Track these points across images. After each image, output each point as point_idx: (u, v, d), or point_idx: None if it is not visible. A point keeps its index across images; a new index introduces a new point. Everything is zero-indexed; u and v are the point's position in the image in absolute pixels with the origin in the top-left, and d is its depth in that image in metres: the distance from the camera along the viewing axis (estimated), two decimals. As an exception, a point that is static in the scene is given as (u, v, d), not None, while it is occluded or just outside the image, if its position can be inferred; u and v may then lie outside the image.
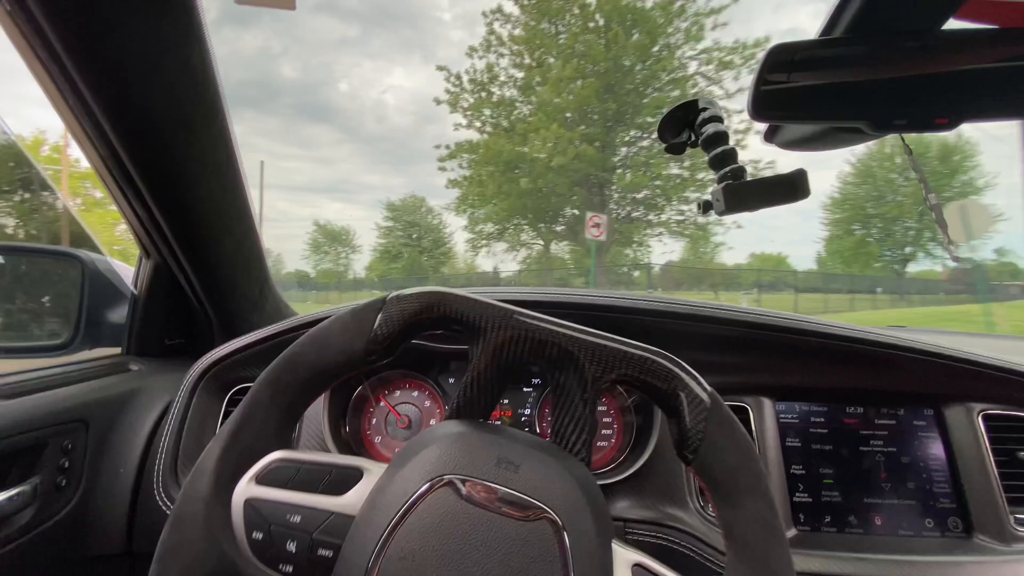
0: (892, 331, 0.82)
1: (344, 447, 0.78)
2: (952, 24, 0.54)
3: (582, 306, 0.76)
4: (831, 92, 0.54)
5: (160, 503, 0.71)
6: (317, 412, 0.76)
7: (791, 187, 0.64)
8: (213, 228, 0.81)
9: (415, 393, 0.87)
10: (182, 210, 0.76)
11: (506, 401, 0.87)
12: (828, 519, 0.72)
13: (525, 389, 0.88)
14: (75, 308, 0.88)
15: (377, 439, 0.85)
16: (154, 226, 0.77)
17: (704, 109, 0.67)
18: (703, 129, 0.66)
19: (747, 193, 0.64)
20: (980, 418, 0.72)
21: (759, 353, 0.76)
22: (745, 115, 0.58)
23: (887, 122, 0.56)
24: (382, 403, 0.86)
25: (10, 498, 0.62)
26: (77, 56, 0.56)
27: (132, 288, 0.89)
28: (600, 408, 0.86)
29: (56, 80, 0.58)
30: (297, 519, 0.37)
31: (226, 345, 0.80)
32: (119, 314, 0.91)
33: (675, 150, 0.72)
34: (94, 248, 0.91)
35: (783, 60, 0.54)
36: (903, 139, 0.62)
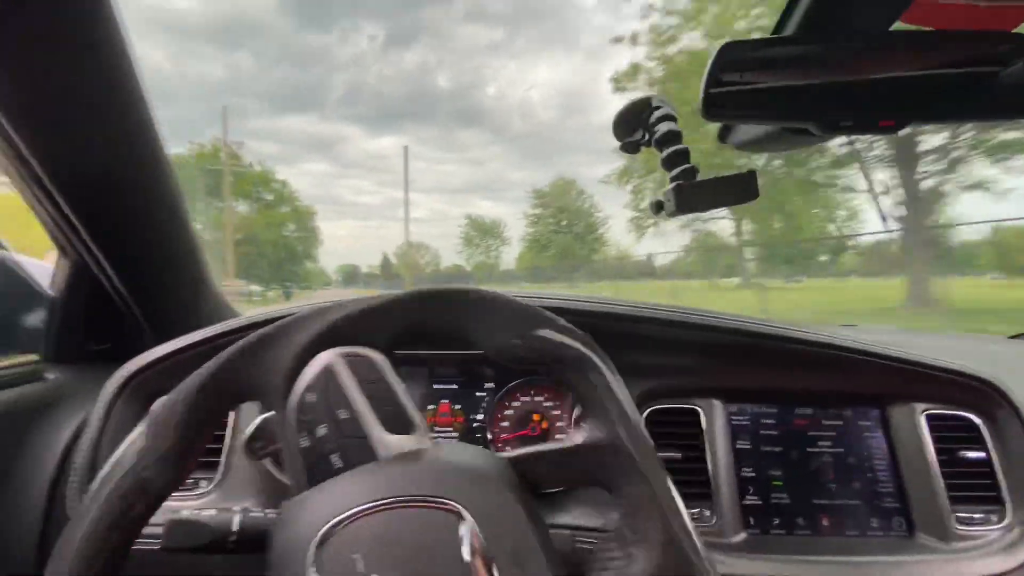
0: (842, 330, 0.83)
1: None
2: (900, 26, 0.54)
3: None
4: (779, 92, 0.54)
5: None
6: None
7: (741, 188, 0.63)
8: (133, 221, 0.74)
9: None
10: (93, 201, 0.69)
11: (458, 407, 0.84)
12: (777, 521, 0.72)
13: (478, 394, 0.85)
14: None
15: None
16: (66, 221, 0.70)
17: (657, 108, 0.65)
18: (656, 128, 0.64)
19: (697, 194, 0.63)
20: (923, 418, 0.74)
21: (708, 356, 0.75)
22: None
23: (834, 123, 0.55)
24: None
25: None
26: None
27: (48, 289, 0.82)
28: (551, 406, 0.84)
29: None
30: None
31: (152, 351, 0.74)
32: (34, 317, 0.83)
33: (629, 149, 0.70)
34: None
35: (734, 59, 0.53)
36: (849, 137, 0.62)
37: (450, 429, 0.83)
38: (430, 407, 0.84)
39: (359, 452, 0.40)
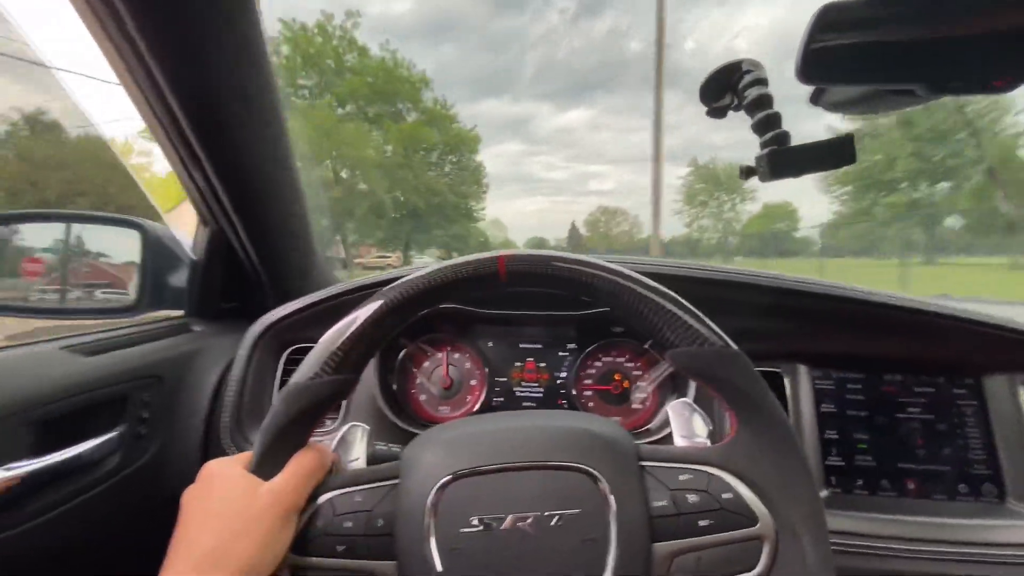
0: (936, 300, 0.81)
1: (392, 403, 0.83)
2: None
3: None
4: (884, 52, 0.53)
5: (227, 451, 0.78)
6: (368, 371, 0.81)
7: (837, 152, 0.63)
8: (266, 198, 0.85)
9: (457, 355, 0.91)
10: (238, 180, 0.80)
11: (543, 365, 0.90)
12: (860, 482, 0.73)
13: (560, 353, 0.91)
14: (139, 274, 0.94)
15: (422, 397, 0.89)
16: (212, 195, 0.81)
17: (748, 72, 0.66)
18: (747, 92, 0.65)
19: (792, 159, 0.63)
20: (1023, 389, 0.72)
21: (796, 320, 0.76)
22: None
23: (942, 84, 0.54)
24: (426, 363, 0.91)
25: (100, 444, 0.69)
26: (144, 33, 0.59)
27: (191, 255, 0.95)
28: (632, 367, 0.88)
29: (124, 56, 0.62)
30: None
31: (282, 308, 0.85)
32: (178, 279, 0.97)
33: (716, 114, 0.71)
34: (155, 217, 0.96)
35: (835, 19, 0.52)
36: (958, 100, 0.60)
37: (535, 385, 0.90)
38: (517, 364, 0.91)
39: None
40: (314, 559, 0.41)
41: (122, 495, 0.72)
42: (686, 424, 0.50)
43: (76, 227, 1.02)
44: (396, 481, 0.44)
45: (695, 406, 0.52)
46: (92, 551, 0.71)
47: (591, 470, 0.41)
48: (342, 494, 0.44)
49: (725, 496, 0.41)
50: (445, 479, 0.41)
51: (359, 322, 0.44)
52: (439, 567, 0.39)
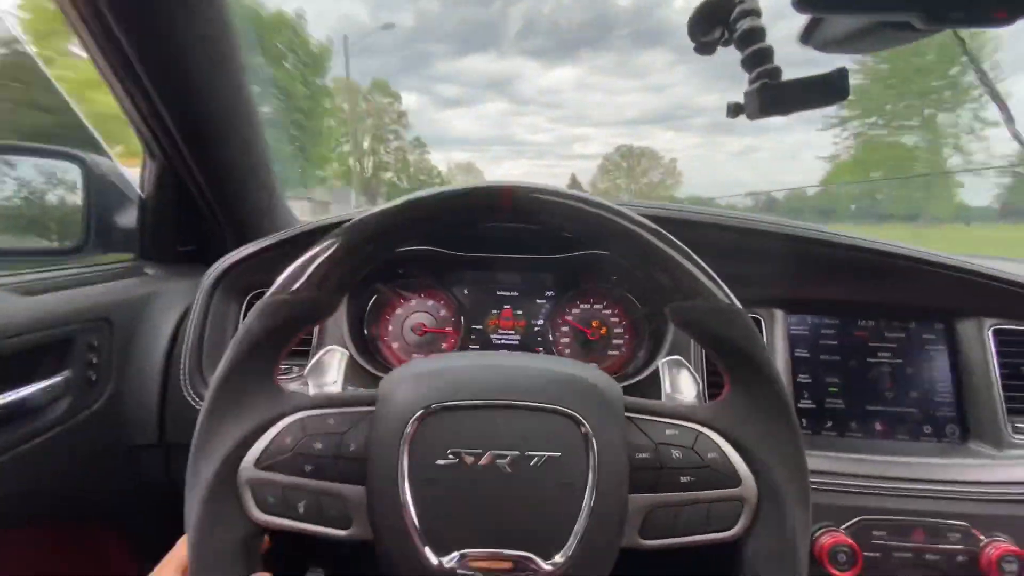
0: (904, 245, 0.82)
1: (361, 349, 0.80)
2: None
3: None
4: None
5: (188, 397, 0.74)
6: (338, 314, 0.78)
7: (831, 87, 0.60)
8: (219, 127, 0.78)
9: (431, 302, 0.88)
10: (187, 105, 0.73)
11: (520, 312, 0.88)
12: (830, 424, 0.75)
13: (538, 301, 0.89)
14: (82, 212, 0.86)
15: (394, 344, 0.87)
16: (160, 124, 0.74)
17: (741, 1, 0.62)
18: (738, 24, 0.61)
19: (783, 94, 0.61)
20: (990, 332, 0.73)
21: (774, 264, 0.76)
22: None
23: (942, 14, 0.52)
24: (399, 310, 0.88)
25: (43, 389, 0.64)
26: None
27: (139, 191, 0.88)
28: (609, 314, 0.87)
29: None
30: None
31: (241, 249, 0.80)
32: (128, 219, 0.90)
33: (704, 49, 0.68)
34: (97, 148, 0.88)
35: None
36: (956, 33, 0.58)
37: (512, 332, 0.88)
38: (493, 311, 0.88)
39: None
40: (279, 476, 0.40)
41: (75, 441, 0.68)
42: (675, 381, 0.50)
43: (9, 160, 0.93)
44: (372, 408, 0.42)
45: (685, 363, 0.51)
46: (42, 497, 0.68)
47: (576, 414, 0.40)
48: (314, 415, 0.42)
49: (710, 455, 0.40)
50: (423, 410, 0.40)
51: (345, 238, 0.41)
52: (409, 496, 0.38)
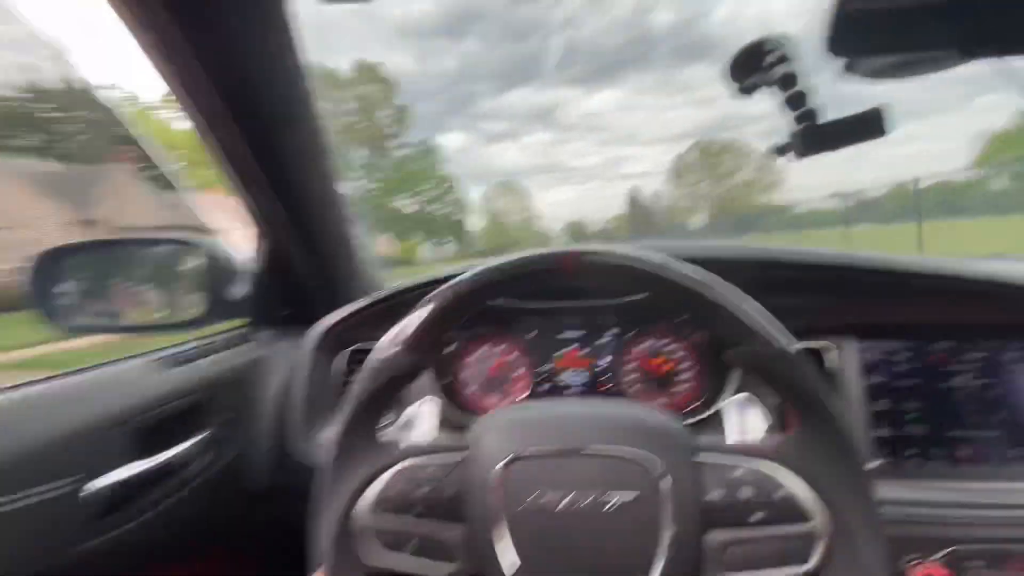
0: (988, 262, 0.79)
1: (446, 396, 0.88)
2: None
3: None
4: (914, 17, 0.52)
5: (298, 449, 0.85)
6: None
7: (868, 126, 0.62)
8: (317, 210, 0.92)
9: (500, 348, 0.95)
10: (293, 196, 0.87)
11: (585, 351, 0.93)
12: (913, 451, 0.73)
13: (602, 340, 0.93)
14: (204, 289, 1.02)
15: (471, 389, 0.94)
16: (271, 211, 0.88)
17: (776, 49, 0.66)
18: (775, 69, 0.65)
19: (823, 134, 0.64)
20: None
21: (840, 294, 0.76)
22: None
23: (975, 47, 0.53)
24: (470, 357, 0.95)
25: (188, 448, 0.77)
26: (208, 66, 0.65)
27: (251, 267, 1.02)
28: (674, 349, 0.90)
29: (189, 90, 0.69)
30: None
31: (339, 311, 0.92)
32: (239, 291, 1.04)
33: (747, 92, 0.71)
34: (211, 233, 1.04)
35: None
36: None
37: (580, 371, 0.93)
38: (560, 352, 0.94)
39: None
40: (389, 519, 0.46)
41: (209, 494, 0.80)
42: (744, 419, 0.52)
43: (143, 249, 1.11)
44: (465, 453, 0.48)
45: (754, 400, 0.53)
46: (186, 547, 0.80)
47: (648, 457, 0.43)
48: (415, 464, 0.48)
49: (779, 492, 0.42)
50: (510, 457, 0.45)
51: (434, 306, 0.48)
52: (503, 535, 0.43)
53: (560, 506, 0.43)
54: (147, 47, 0.63)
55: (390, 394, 0.50)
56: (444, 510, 0.46)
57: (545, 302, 0.91)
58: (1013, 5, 0.52)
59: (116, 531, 0.66)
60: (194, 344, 0.91)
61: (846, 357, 0.77)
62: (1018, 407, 0.71)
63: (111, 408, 0.67)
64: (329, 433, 0.49)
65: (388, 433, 0.61)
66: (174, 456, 0.75)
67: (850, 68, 0.66)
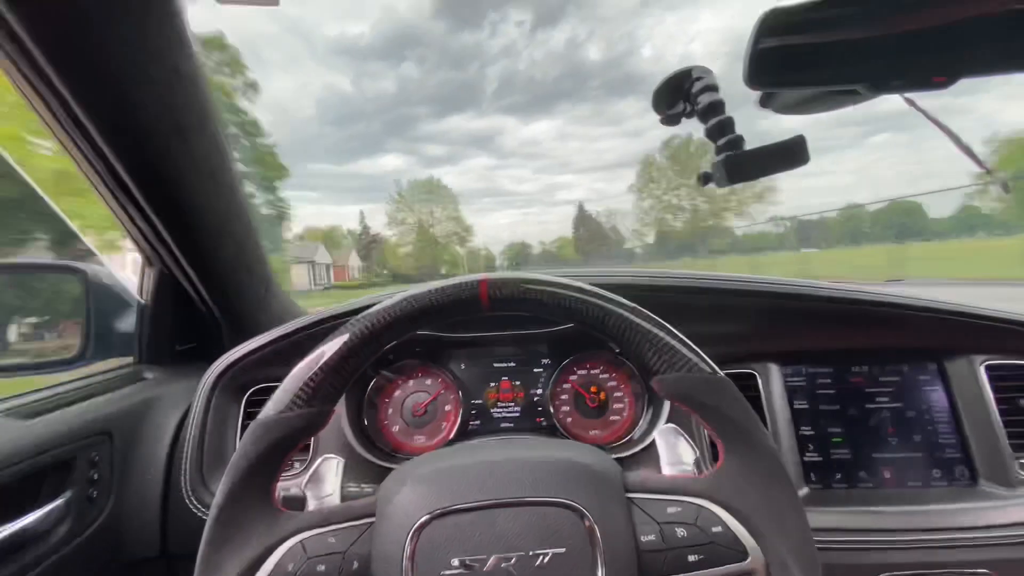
0: (890, 287, 0.84)
1: (363, 439, 0.80)
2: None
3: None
4: (826, 54, 0.54)
5: (190, 505, 0.73)
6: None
7: (791, 154, 0.63)
8: (213, 232, 0.81)
9: (428, 381, 0.89)
10: (181, 216, 0.76)
11: (518, 383, 0.89)
12: (839, 476, 0.74)
13: (535, 370, 0.89)
14: (82, 321, 0.88)
15: (395, 428, 0.86)
16: (155, 234, 0.77)
17: (699, 79, 0.66)
18: (699, 99, 0.65)
19: (747, 163, 0.64)
20: (983, 369, 0.74)
21: (761, 320, 0.77)
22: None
23: (884, 82, 0.55)
24: (396, 392, 0.88)
25: (46, 514, 0.64)
26: (66, 69, 0.55)
27: (138, 297, 0.89)
28: (607, 379, 0.87)
29: (45, 96, 0.58)
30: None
31: (240, 347, 0.81)
32: (126, 323, 0.91)
33: (670, 121, 0.71)
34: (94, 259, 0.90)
35: (777, 23, 0.53)
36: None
37: (511, 404, 0.88)
38: (491, 384, 0.89)
39: None
40: None
41: (77, 564, 0.67)
42: (672, 450, 0.50)
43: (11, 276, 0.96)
44: (371, 520, 0.42)
45: (681, 432, 0.51)
46: None
47: (576, 505, 0.40)
48: (314, 535, 0.41)
49: (715, 529, 0.40)
50: (423, 519, 0.40)
51: (331, 352, 0.42)
52: None
53: (483, 570, 0.38)
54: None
55: (282, 454, 0.43)
56: None
57: (474, 332, 0.86)
58: (914, 46, 0.54)
59: None
60: (65, 389, 0.77)
61: (771, 383, 0.78)
62: (934, 427, 0.74)
63: None
64: (214, 501, 0.41)
65: (291, 490, 0.52)
66: (27, 525, 0.62)
67: (765, 103, 0.67)
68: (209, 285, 0.87)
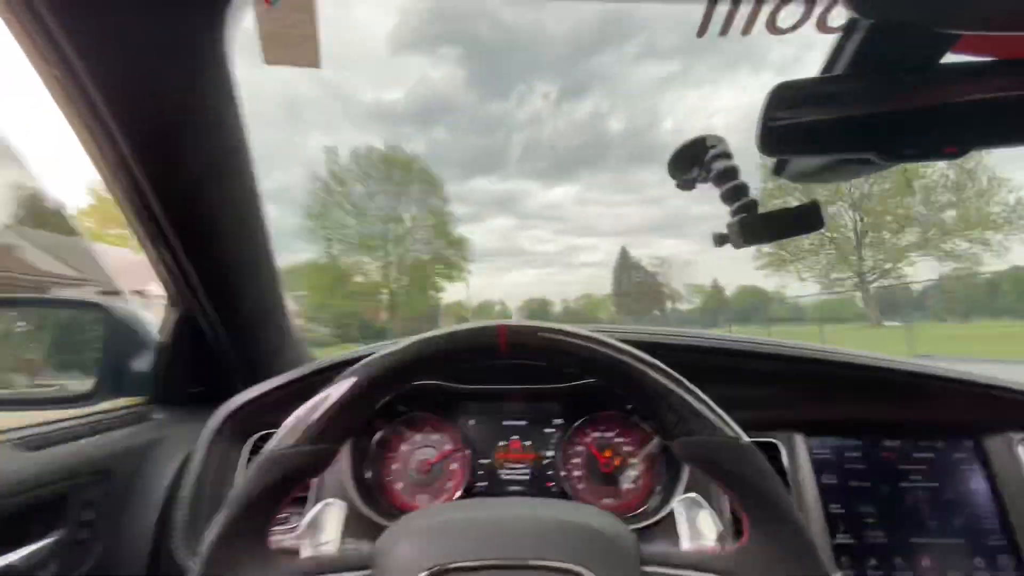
0: (922, 360, 0.81)
1: (364, 493, 0.77)
2: (951, 57, 0.56)
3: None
4: (837, 126, 0.55)
5: (179, 559, 0.70)
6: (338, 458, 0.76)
7: (805, 219, 0.64)
8: (240, 278, 0.83)
9: (436, 436, 0.86)
10: (211, 261, 0.78)
11: (528, 443, 0.86)
12: (873, 562, 0.68)
13: (546, 430, 0.86)
14: (98, 358, 0.89)
15: (398, 485, 0.83)
16: (183, 276, 0.79)
17: (712, 146, 0.68)
18: (712, 165, 0.67)
19: (762, 226, 0.65)
20: (1022, 447, 0.69)
21: (787, 387, 0.74)
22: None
23: (896, 152, 0.56)
24: (403, 446, 0.85)
25: (29, 555, 0.61)
26: (117, 111, 0.59)
27: (158, 336, 0.91)
28: (623, 442, 0.84)
29: (95, 135, 0.62)
30: None
31: (249, 391, 0.80)
32: (143, 362, 0.92)
33: (686, 186, 0.73)
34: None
35: (787, 97, 0.55)
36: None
37: (521, 466, 0.84)
38: (500, 443, 0.86)
39: None
40: None
41: None
42: (693, 523, 0.47)
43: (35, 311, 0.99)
44: (367, 572, 0.39)
45: (703, 502, 0.48)
46: None
47: (587, 573, 0.37)
48: None
49: None
50: (426, 573, 0.37)
51: (342, 391, 0.42)
52: None
53: None
54: (47, 78, 0.57)
55: (283, 492, 0.41)
56: None
57: (486, 384, 0.85)
58: (927, 119, 0.56)
59: None
60: (71, 424, 0.77)
61: (796, 455, 0.74)
62: (975, 510, 0.69)
63: None
64: (207, 537, 0.39)
65: (286, 539, 0.50)
66: (12, 563, 0.59)
67: (779, 171, 0.69)
68: (229, 329, 0.88)
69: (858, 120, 0.56)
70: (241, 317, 0.88)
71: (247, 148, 0.71)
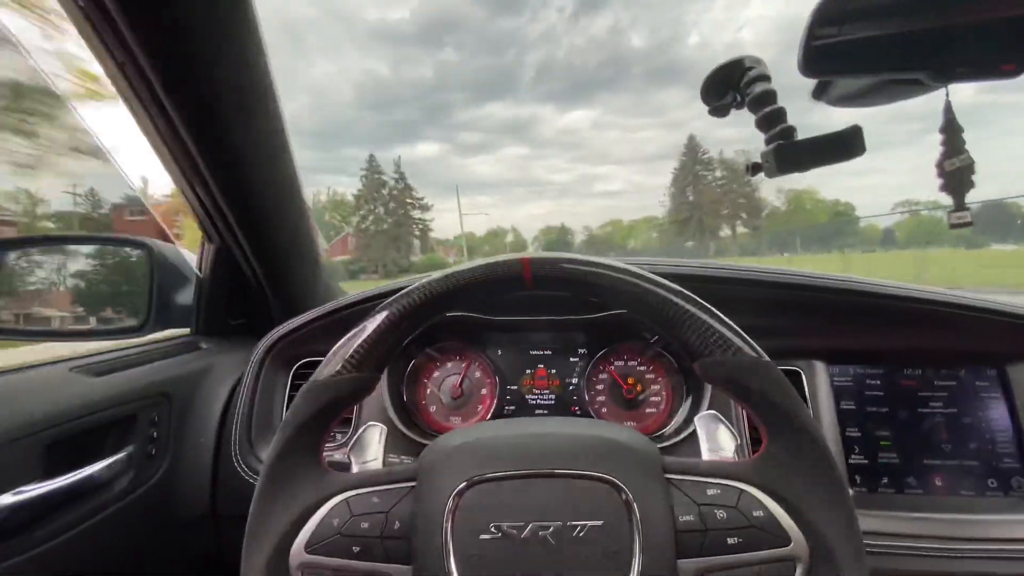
0: (948, 291, 0.80)
1: (403, 416, 0.82)
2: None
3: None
4: (886, 42, 0.52)
5: (239, 469, 0.77)
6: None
7: (845, 145, 0.62)
8: (271, 213, 0.85)
9: (466, 364, 0.90)
10: (243, 195, 0.81)
11: (554, 371, 0.89)
12: (886, 480, 0.72)
13: (571, 359, 0.90)
14: (146, 293, 0.94)
15: (432, 408, 0.88)
16: (217, 211, 0.81)
17: (750, 68, 0.65)
18: (749, 89, 0.64)
19: (799, 153, 0.62)
20: None
21: (811, 316, 0.75)
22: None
23: (949, 71, 0.53)
24: (435, 373, 0.90)
25: (109, 465, 0.68)
26: (147, 52, 0.59)
27: (197, 271, 0.95)
28: (645, 371, 0.87)
29: (128, 77, 0.63)
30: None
31: (289, 323, 0.85)
32: (186, 297, 0.97)
33: (719, 113, 0.71)
34: (162, 236, 0.96)
35: (834, 12, 0.52)
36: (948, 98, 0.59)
37: (547, 392, 0.89)
38: (527, 371, 0.90)
39: None
40: (328, 559, 0.41)
41: (133, 516, 0.71)
42: (713, 437, 0.49)
43: (83, 248, 1.03)
44: (413, 484, 0.43)
45: (722, 418, 0.51)
46: (102, 571, 0.70)
47: (616, 480, 0.40)
48: (359, 494, 0.43)
49: (756, 514, 0.39)
50: (463, 484, 0.41)
51: (380, 321, 0.44)
52: (456, 573, 0.38)
53: (521, 537, 0.39)
54: (77, 20, 0.57)
55: (330, 417, 0.45)
56: (389, 548, 0.41)
57: (513, 316, 0.88)
58: (982, 33, 0.52)
59: (19, 557, 0.57)
60: (128, 352, 0.83)
61: (816, 381, 0.76)
62: (992, 435, 0.71)
63: (18, 418, 0.59)
64: (264, 458, 0.43)
65: (336, 454, 0.55)
66: (93, 474, 0.66)
67: (819, 95, 0.65)
68: (263, 264, 0.91)
69: (909, 36, 0.52)
70: (274, 251, 0.91)
71: (273, 87, 0.71)
